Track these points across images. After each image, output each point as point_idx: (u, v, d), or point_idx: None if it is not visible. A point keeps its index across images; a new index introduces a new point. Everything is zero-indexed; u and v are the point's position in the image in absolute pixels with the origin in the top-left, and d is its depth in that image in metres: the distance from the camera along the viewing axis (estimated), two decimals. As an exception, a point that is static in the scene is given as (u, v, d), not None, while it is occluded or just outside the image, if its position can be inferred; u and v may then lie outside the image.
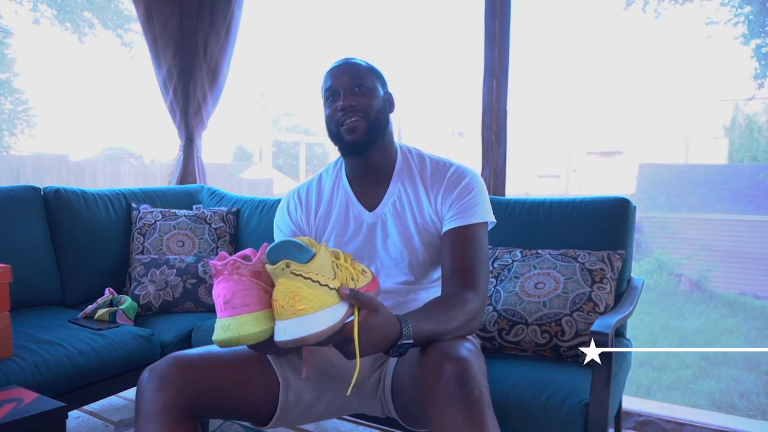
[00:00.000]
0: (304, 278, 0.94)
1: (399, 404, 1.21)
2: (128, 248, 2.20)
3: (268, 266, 0.95)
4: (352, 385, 1.05)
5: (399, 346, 1.02)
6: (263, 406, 1.21)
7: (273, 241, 1.37)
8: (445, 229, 1.27)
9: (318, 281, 0.95)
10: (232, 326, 0.95)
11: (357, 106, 1.24)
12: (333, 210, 1.35)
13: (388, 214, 1.31)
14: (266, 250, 0.97)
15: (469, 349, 1.06)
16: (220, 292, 0.97)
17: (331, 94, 1.28)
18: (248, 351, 1.23)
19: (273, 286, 0.97)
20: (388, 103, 1.33)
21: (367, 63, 1.32)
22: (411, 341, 1.02)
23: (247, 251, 1.03)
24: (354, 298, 0.98)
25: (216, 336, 0.97)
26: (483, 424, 0.97)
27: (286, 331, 0.93)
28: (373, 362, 1.27)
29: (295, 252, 0.95)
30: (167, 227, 2.19)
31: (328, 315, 0.94)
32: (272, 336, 0.97)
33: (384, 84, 1.33)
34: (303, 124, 16.26)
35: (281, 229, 1.39)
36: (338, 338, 0.97)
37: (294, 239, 0.98)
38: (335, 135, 1.29)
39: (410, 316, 1.04)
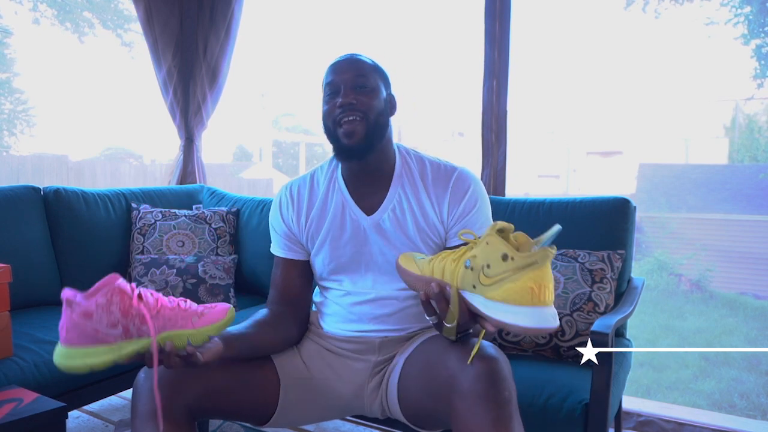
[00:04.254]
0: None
1: (406, 404, 1.19)
2: (128, 248, 2.20)
3: (544, 247, 0.88)
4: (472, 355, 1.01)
5: (467, 333, 1.05)
6: (262, 405, 1.21)
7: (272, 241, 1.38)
8: (452, 243, 1.24)
9: None
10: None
11: (357, 105, 1.19)
12: (328, 211, 1.29)
13: (387, 220, 1.26)
14: (554, 229, 0.91)
15: (496, 348, 1.05)
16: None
17: (331, 90, 1.22)
18: None
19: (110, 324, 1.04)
20: (390, 106, 1.27)
21: (372, 61, 1.27)
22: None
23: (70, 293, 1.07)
24: None
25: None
26: (510, 426, 0.96)
27: (551, 317, 0.89)
28: (374, 367, 1.26)
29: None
30: (167, 227, 2.18)
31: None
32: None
33: (388, 85, 1.28)
34: (303, 124, 16.27)
35: (275, 230, 1.34)
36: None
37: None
38: (332, 133, 1.22)
39: None
